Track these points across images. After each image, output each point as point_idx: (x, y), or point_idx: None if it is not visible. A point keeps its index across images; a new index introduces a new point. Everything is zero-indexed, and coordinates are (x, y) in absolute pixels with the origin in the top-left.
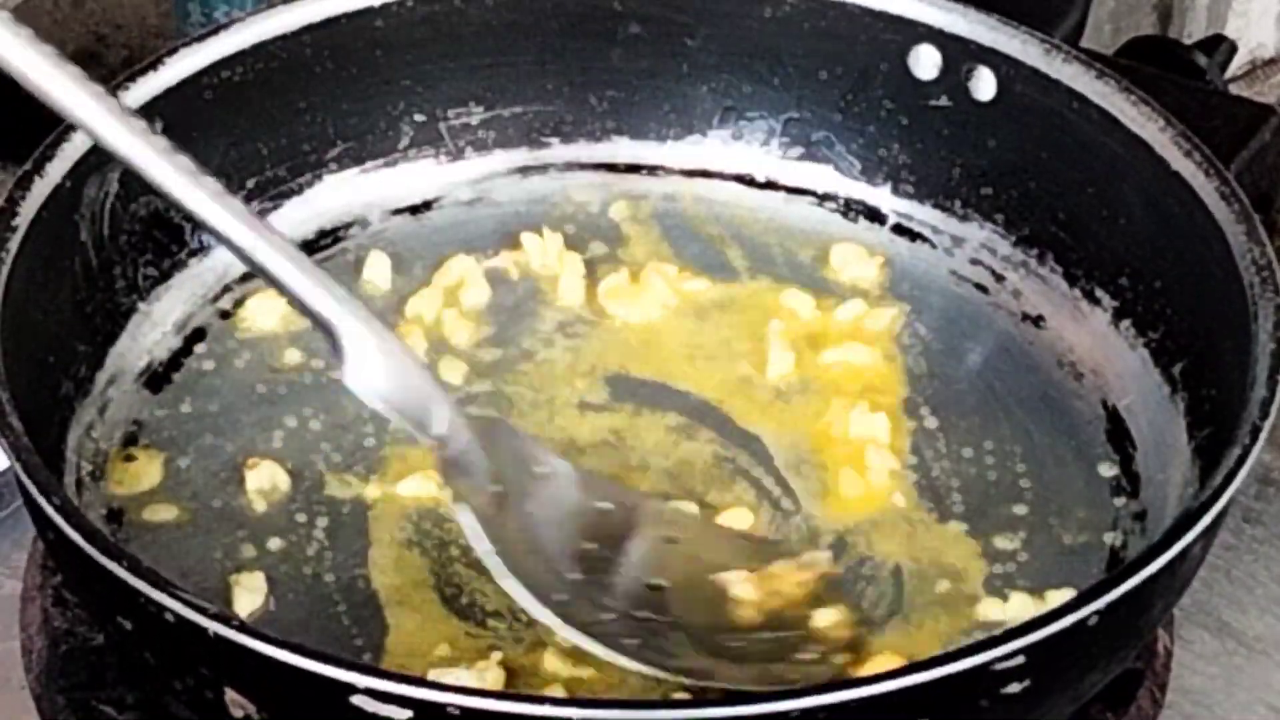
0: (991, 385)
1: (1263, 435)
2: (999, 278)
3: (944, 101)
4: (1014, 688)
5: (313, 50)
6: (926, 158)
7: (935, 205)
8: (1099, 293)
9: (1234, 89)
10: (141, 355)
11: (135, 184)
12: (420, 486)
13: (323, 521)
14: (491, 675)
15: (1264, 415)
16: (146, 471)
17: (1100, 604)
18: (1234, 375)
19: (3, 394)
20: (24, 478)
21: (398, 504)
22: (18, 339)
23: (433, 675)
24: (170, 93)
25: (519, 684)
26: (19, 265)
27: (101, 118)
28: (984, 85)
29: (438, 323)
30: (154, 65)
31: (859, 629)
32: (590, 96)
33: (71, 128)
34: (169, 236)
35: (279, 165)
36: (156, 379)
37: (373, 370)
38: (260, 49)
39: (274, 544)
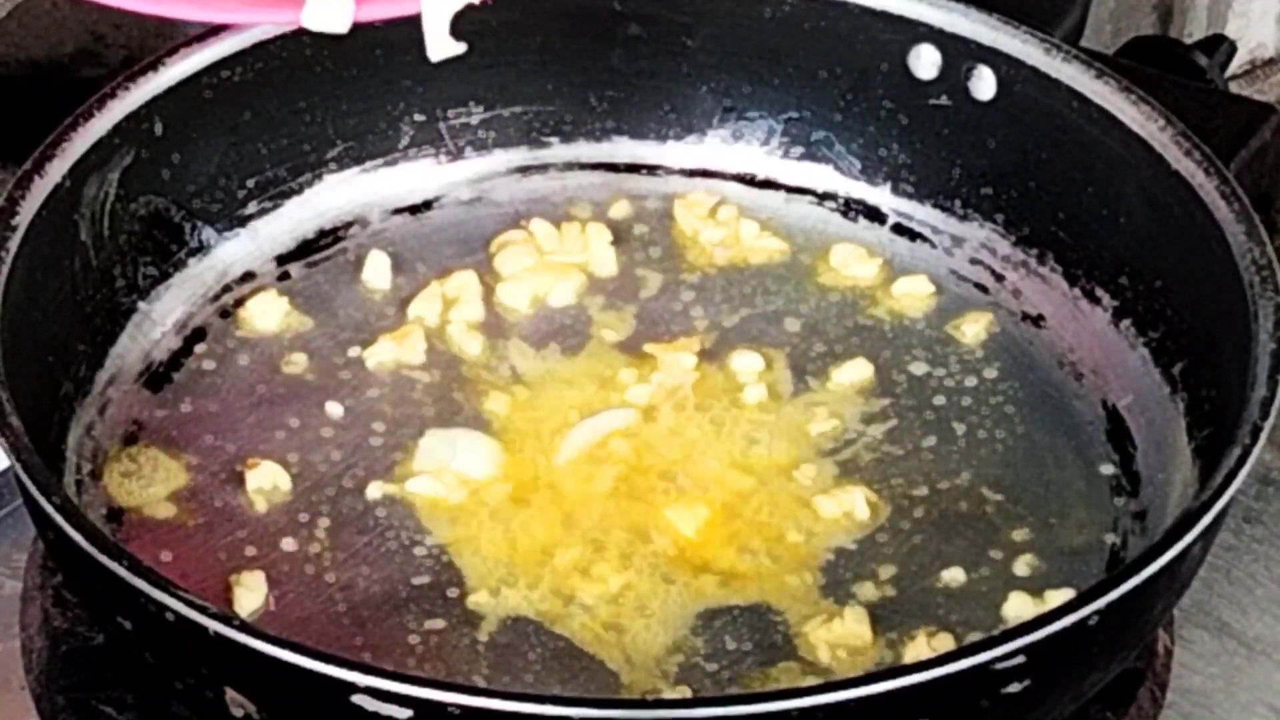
0: (992, 386)
1: (1263, 435)
2: (999, 278)
3: (944, 101)
4: (1014, 688)
5: (313, 50)
6: (926, 157)
7: (935, 205)
8: (1099, 292)
9: (1234, 89)
10: (141, 355)
11: (135, 184)
12: (429, 486)
13: (324, 521)
14: None
15: (1264, 415)
16: (147, 471)
17: (1100, 604)
18: (1234, 375)
19: (3, 394)
20: (24, 477)
21: (401, 503)
22: (18, 339)
23: None
24: (170, 93)
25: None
26: (19, 265)
27: None
28: (984, 85)
29: (440, 327)
30: (154, 65)
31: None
32: (590, 96)
33: (72, 127)
34: (169, 236)
35: (279, 165)
36: (156, 379)
37: None
38: (260, 49)
39: (275, 544)
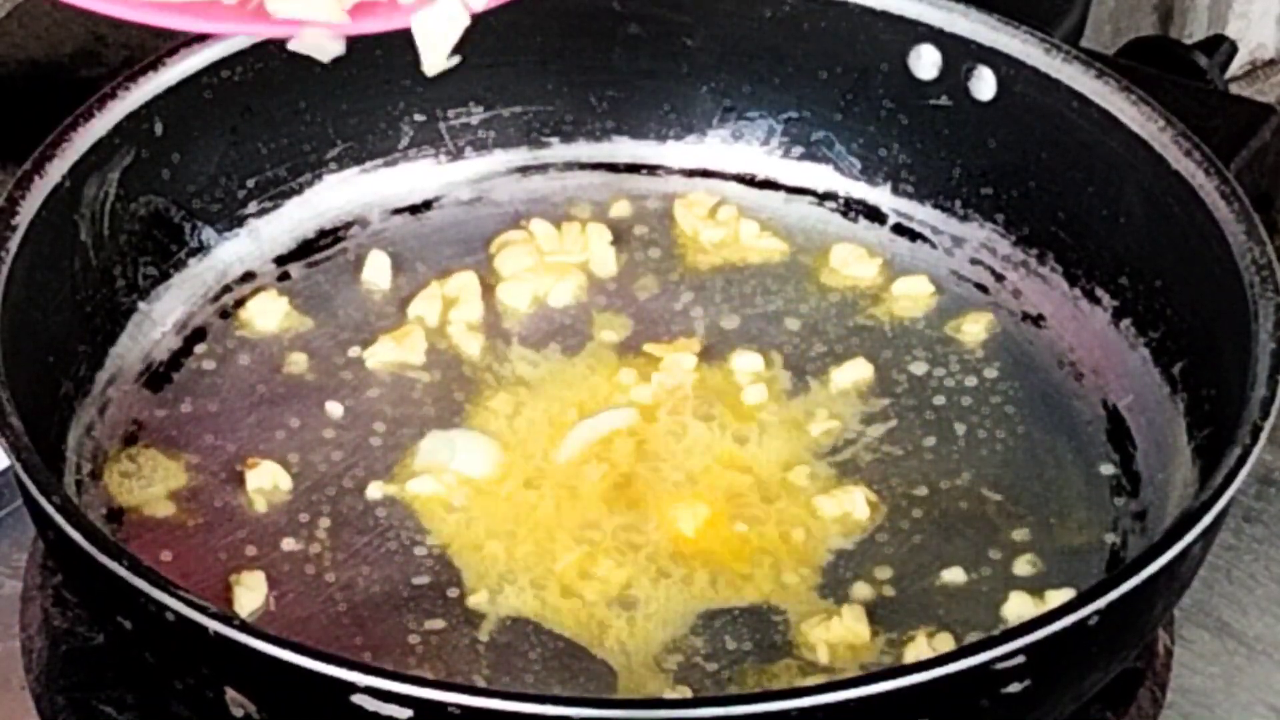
0: (992, 385)
1: (1263, 435)
2: (999, 278)
3: (944, 101)
4: (1014, 687)
5: None
6: (926, 158)
7: (935, 205)
8: (1099, 292)
9: (1234, 89)
10: (141, 355)
11: (135, 184)
12: (429, 486)
13: (324, 521)
14: None
15: (1264, 415)
16: (147, 471)
17: (1100, 604)
18: (1234, 375)
19: (3, 394)
20: (24, 477)
21: (401, 504)
22: (18, 339)
23: None
24: (170, 93)
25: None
26: (19, 265)
27: None
28: (984, 85)
29: (440, 327)
30: (154, 65)
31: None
32: (590, 96)
33: (72, 127)
34: (169, 236)
35: (279, 165)
36: (156, 379)
37: None
38: (260, 49)
39: (275, 543)
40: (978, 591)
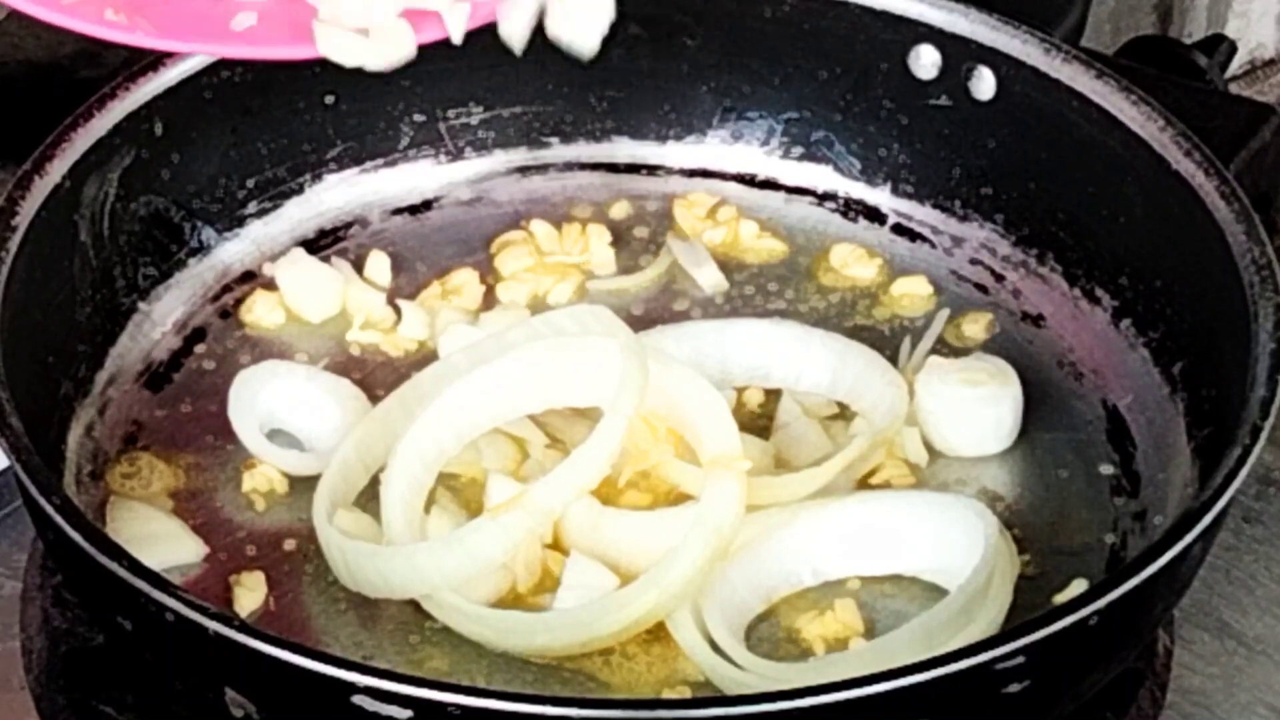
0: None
1: (1263, 435)
2: (999, 278)
3: (944, 101)
4: (1014, 688)
5: None
6: (926, 158)
7: (935, 205)
8: (1099, 292)
9: (1234, 89)
10: (141, 355)
11: (135, 184)
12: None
13: None
14: None
15: (1264, 415)
16: (146, 472)
17: (1100, 604)
18: (1234, 375)
19: (3, 394)
20: (24, 477)
21: None
22: (18, 339)
23: None
24: (170, 93)
25: None
26: (19, 265)
27: None
28: (984, 85)
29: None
30: (154, 65)
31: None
32: (590, 96)
33: (72, 127)
34: (169, 236)
35: (279, 165)
36: (156, 379)
37: None
38: None
39: (275, 544)
40: None
